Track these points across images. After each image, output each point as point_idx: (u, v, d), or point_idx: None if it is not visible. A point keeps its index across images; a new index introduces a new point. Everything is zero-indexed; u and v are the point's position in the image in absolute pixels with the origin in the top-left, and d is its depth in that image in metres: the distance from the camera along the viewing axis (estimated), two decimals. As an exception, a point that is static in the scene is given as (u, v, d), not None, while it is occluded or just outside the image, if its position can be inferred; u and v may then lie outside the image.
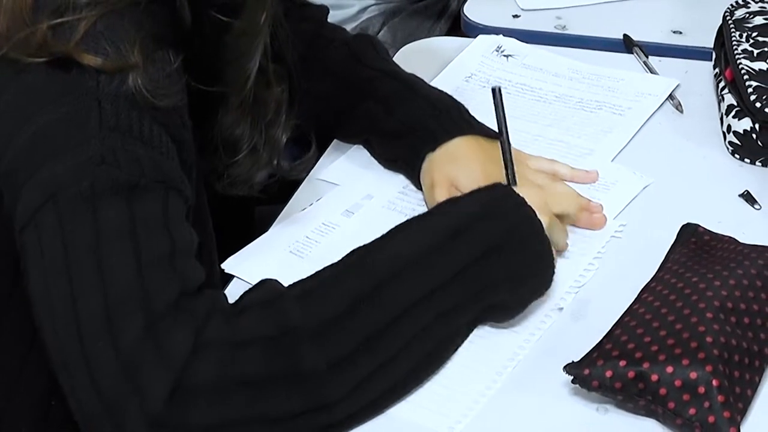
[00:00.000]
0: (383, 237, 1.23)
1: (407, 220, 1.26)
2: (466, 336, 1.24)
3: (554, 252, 1.27)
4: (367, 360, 1.14)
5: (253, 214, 1.54)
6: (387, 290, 1.16)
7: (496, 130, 1.35)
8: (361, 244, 1.22)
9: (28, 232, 1.11)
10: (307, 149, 1.43)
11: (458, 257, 1.21)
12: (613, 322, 1.24)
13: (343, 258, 1.20)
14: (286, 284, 1.17)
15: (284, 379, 1.10)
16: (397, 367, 1.17)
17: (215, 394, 1.08)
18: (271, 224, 1.45)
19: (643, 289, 1.28)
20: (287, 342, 1.11)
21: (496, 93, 1.34)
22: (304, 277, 1.18)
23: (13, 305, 1.22)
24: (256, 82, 1.27)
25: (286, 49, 1.33)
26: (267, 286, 1.17)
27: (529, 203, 1.26)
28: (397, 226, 1.24)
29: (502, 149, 1.35)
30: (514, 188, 1.30)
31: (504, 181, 1.34)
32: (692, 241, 1.34)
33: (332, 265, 1.20)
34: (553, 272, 1.27)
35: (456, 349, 1.23)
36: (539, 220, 1.25)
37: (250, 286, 1.18)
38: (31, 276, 1.12)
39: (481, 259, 1.21)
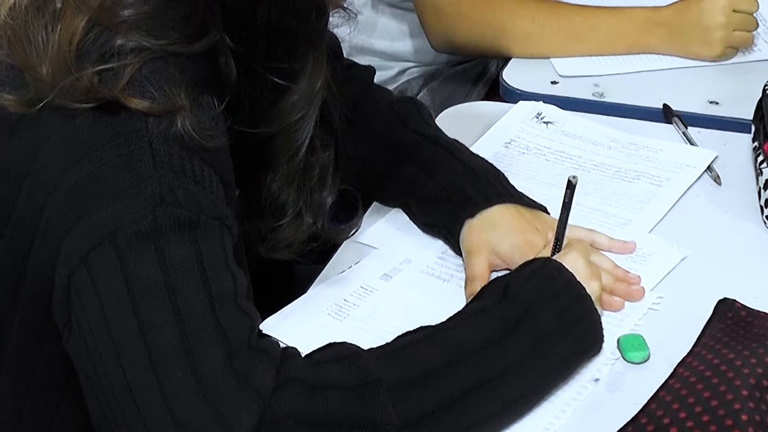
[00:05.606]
0: (447, 322, 1.24)
1: (469, 308, 1.28)
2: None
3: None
4: (435, 429, 1.15)
5: (293, 273, 1.55)
6: (457, 369, 1.18)
7: (537, 200, 1.37)
8: (427, 324, 1.24)
9: (79, 275, 1.11)
10: (350, 212, 1.43)
11: (520, 349, 1.23)
12: (649, 396, 1.24)
13: (411, 332, 1.22)
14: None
15: (357, 428, 1.11)
16: None
17: (296, 429, 1.09)
18: (310, 284, 1.46)
19: (679, 363, 1.28)
20: (367, 392, 1.13)
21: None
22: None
23: (44, 352, 1.21)
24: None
25: (334, 114, 1.34)
26: (340, 345, 1.19)
27: (577, 275, 1.29)
28: (460, 315, 1.26)
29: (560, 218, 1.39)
30: (562, 260, 1.32)
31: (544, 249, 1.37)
32: (729, 317, 1.35)
33: (403, 336, 1.22)
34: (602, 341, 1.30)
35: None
36: (589, 296, 1.28)
37: (319, 347, 1.19)
38: (83, 317, 1.11)
39: (540, 345, 1.24)
